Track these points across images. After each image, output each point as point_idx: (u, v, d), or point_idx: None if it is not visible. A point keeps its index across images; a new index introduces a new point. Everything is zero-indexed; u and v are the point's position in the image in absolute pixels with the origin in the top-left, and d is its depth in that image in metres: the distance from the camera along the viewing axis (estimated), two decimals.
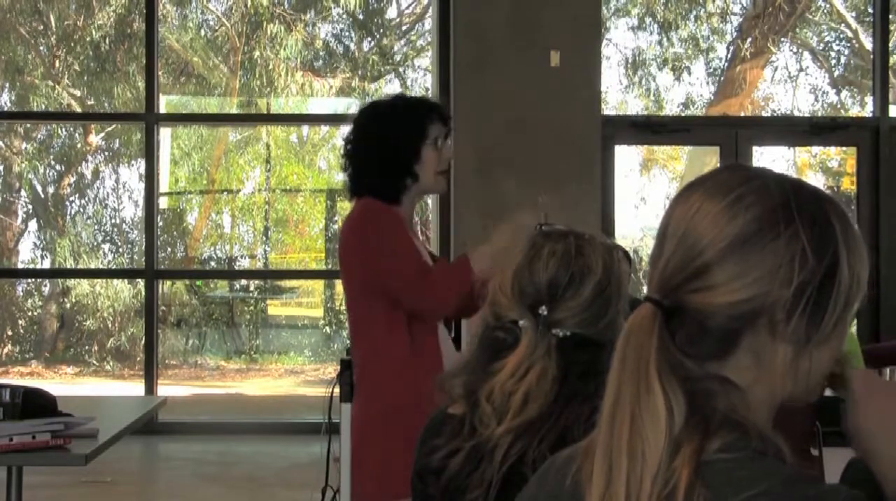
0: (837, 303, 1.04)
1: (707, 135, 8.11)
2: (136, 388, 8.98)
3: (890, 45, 7.99)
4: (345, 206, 11.35)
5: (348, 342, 4.30)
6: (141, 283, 9.00)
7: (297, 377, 11.53)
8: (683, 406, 0.99)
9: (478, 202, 6.23)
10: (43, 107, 11.06)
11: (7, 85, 11.37)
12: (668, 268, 1.05)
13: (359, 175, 2.95)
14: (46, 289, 11.83)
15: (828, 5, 10.06)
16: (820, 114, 9.67)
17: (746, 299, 1.02)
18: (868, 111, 8.63)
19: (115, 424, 3.15)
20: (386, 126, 2.93)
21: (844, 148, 8.83)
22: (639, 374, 1.00)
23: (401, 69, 11.55)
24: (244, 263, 12.24)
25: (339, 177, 12.03)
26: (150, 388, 7.63)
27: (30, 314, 11.88)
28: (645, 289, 1.09)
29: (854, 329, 7.71)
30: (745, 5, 10.21)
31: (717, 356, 1.03)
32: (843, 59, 10.37)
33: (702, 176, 1.10)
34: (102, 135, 11.80)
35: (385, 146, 2.92)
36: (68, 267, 11.44)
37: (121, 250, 11.82)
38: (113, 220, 11.86)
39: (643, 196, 10.20)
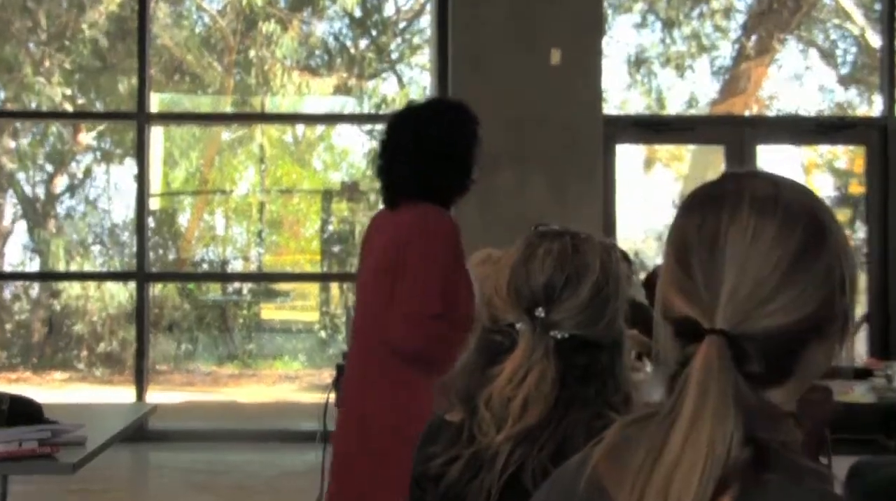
0: (853, 300, 1.09)
1: (711, 133, 8.04)
2: (126, 394, 8.86)
3: None
4: (341, 207, 11.21)
5: (344, 346, 4.14)
6: (131, 286, 8.88)
7: (292, 382, 11.43)
8: (742, 438, 0.99)
9: (478, 202, 6.10)
10: (33, 105, 10.91)
11: None
12: (737, 297, 1.04)
13: (417, 178, 2.87)
14: (34, 293, 11.68)
15: (834, 2, 9.96)
16: (827, 113, 9.55)
17: (807, 316, 1.04)
18: (876, 110, 8.52)
19: (104, 432, 3.14)
20: (453, 130, 2.90)
21: (852, 147, 8.73)
22: (717, 406, 1.00)
23: (398, 67, 11.45)
24: (237, 266, 12.11)
25: (335, 178, 11.93)
26: (140, 395, 7.56)
27: (17, 318, 11.72)
28: (689, 311, 1.05)
29: (865, 328, 7.62)
30: (749, 2, 10.11)
31: (778, 380, 1.05)
32: (850, 57, 10.28)
33: (733, 186, 1.09)
34: (94, 133, 11.66)
35: (456, 149, 2.90)
36: (57, 269, 11.28)
37: (111, 252, 11.69)
38: (104, 222, 11.72)
39: (646, 197, 10.10)
